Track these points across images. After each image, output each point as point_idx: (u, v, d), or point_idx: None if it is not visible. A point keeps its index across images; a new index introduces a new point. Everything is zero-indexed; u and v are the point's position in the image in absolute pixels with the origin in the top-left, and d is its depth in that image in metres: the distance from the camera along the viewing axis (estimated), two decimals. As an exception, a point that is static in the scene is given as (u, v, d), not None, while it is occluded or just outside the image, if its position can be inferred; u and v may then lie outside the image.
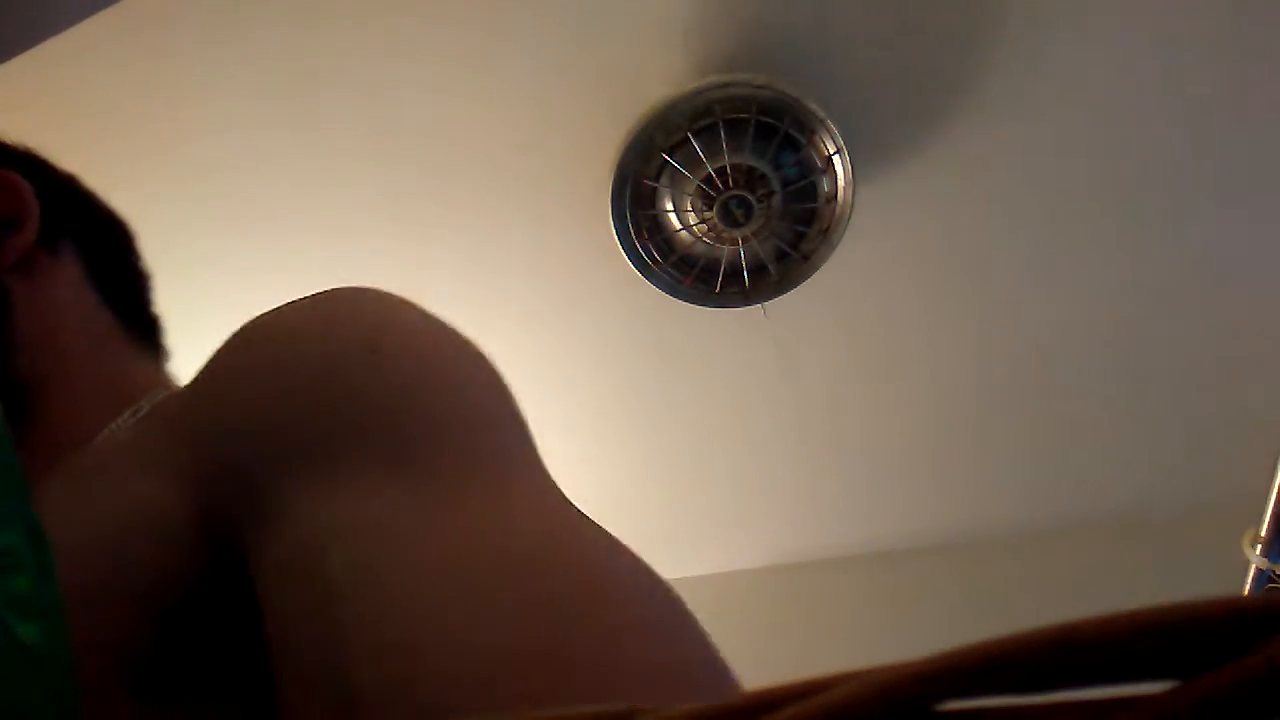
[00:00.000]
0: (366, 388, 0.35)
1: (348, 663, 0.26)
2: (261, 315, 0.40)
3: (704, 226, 1.50)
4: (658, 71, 1.50)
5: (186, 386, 0.41)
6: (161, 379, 0.58)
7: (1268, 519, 1.28)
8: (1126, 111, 1.56)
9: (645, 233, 1.53)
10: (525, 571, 0.28)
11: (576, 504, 0.35)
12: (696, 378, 1.85)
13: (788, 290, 1.59)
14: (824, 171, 1.47)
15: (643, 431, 1.92)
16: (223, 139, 1.54)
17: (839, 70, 1.50)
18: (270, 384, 0.36)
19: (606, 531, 0.33)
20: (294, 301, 0.40)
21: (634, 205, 1.50)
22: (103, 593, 0.33)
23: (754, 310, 1.65)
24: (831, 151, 1.46)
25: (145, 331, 0.61)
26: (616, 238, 1.53)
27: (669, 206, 1.52)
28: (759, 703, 0.16)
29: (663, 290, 1.59)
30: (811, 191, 1.49)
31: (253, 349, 0.39)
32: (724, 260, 1.54)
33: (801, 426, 1.92)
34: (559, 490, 0.36)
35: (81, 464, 0.44)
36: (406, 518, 0.30)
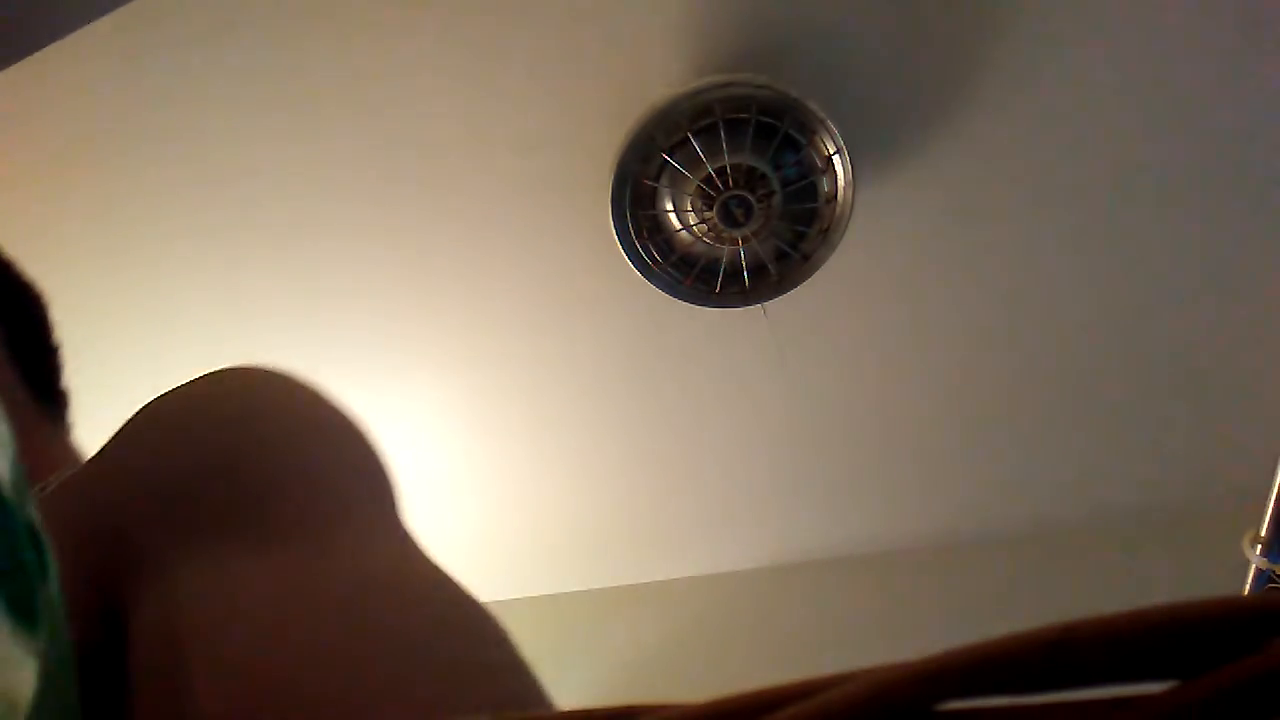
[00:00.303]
0: (236, 465, 0.38)
1: (189, 707, 0.29)
2: (160, 394, 0.43)
3: (704, 226, 1.50)
4: (658, 71, 1.50)
5: (89, 460, 0.43)
6: (70, 455, 0.57)
7: (1268, 519, 1.28)
8: (1126, 112, 1.56)
9: (645, 233, 1.53)
10: (339, 612, 0.32)
11: (419, 554, 0.38)
12: (696, 378, 1.85)
13: (788, 290, 1.59)
14: (824, 171, 1.47)
15: (642, 431, 1.92)
16: (219, 146, 1.54)
17: (839, 70, 1.50)
18: (153, 457, 0.39)
19: (438, 572, 0.36)
20: (191, 381, 0.43)
21: (634, 205, 1.50)
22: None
23: (754, 310, 1.65)
24: (831, 152, 1.46)
25: (55, 406, 0.60)
26: (616, 238, 1.53)
27: (669, 206, 1.52)
28: (759, 703, 0.16)
29: (663, 290, 1.59)
30: (811, 191, 1.49)
31: (143, 426, 0.41)
32: (724, 260, 1.54)
33: (801, 426, 1.92)
34: (397, 543, 0.39)
35: None
36: (251, 579, 0.33)
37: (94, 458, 0.43)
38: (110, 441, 0.42)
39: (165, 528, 0.36)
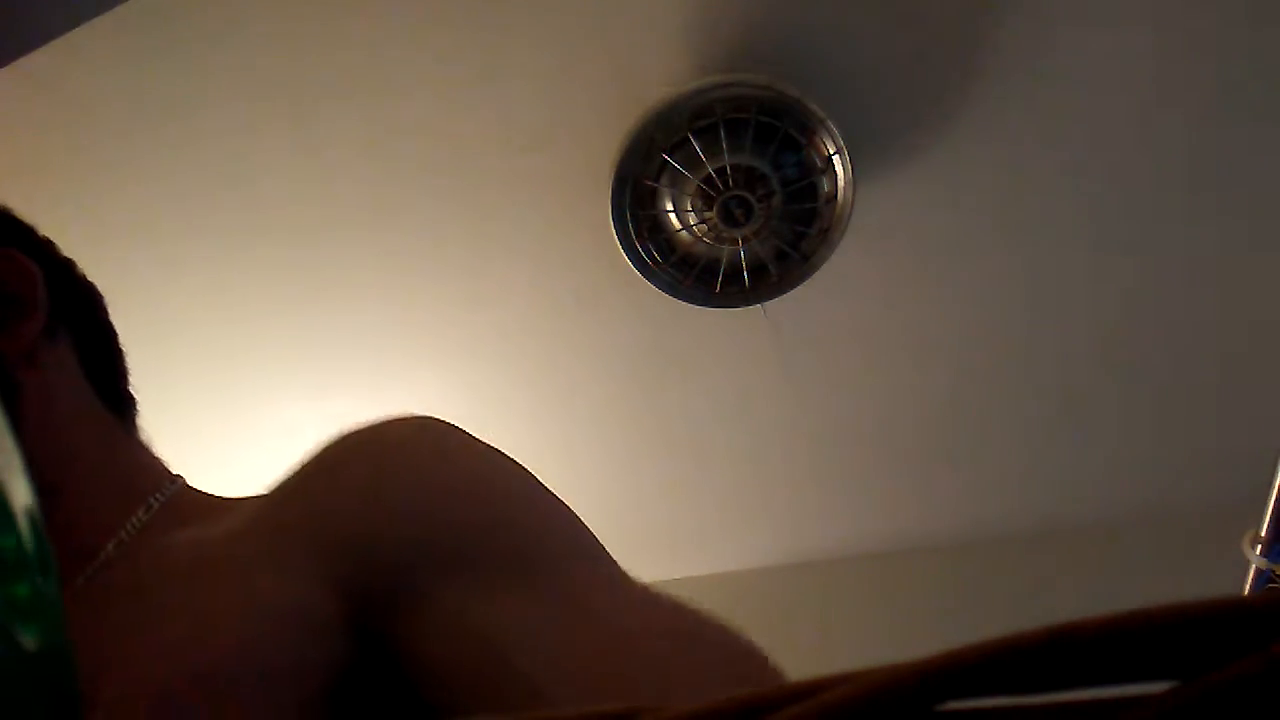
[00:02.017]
0: (486, 514, 0.45)
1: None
2: (360, 432, 0.48)
3: (704, 227, 1.50)
4: (658, 71, 1.50)
5: (300, 490, 0.48)
6: (157, 465, 0.58)
7: (1268, 519, 1.28)
8: (1127, 112, 1.56)
9: (645, 233, 1.53)
10: (659, 645, 0.40)
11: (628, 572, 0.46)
12: (696, 378, 1.85)
13: (788, 290, 1.59)
14: (824, 171, 1.47)
15: (643, 431, 1.92)
16: (217, 143, 1.54)
17: (839, 70, 1.50)
18: (411, 505, 0.45)
19: (664, 594, 0.44)
20: (388, 424, 0.49)
21: (634, 205, 1.50)
22: (261, 679, 0.40)
23: (754, 310, 1.65)
24: (831, 151, 1.46)
25: (126, 412, 0.60)
26: (616, 238, 1.53)
27: (669, 206, 1.52)
28: (759, 703, 0.16)
29: (663, 290, 1.59)
30: (811, 191, 1.49)
31: (378, 468, 0.46)
32: (724, 260, 1.54)
33: (802, 426, 1.92)
34: (623, 572, 0.47)
35: (167, 564, 0.47)
36: (555, 615, 0.41)
37: (318, 489, 0.47)
38: (339, 475, 0.47)
39: (447, 580, 0.42)
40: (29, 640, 0.23)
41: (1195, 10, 1.46)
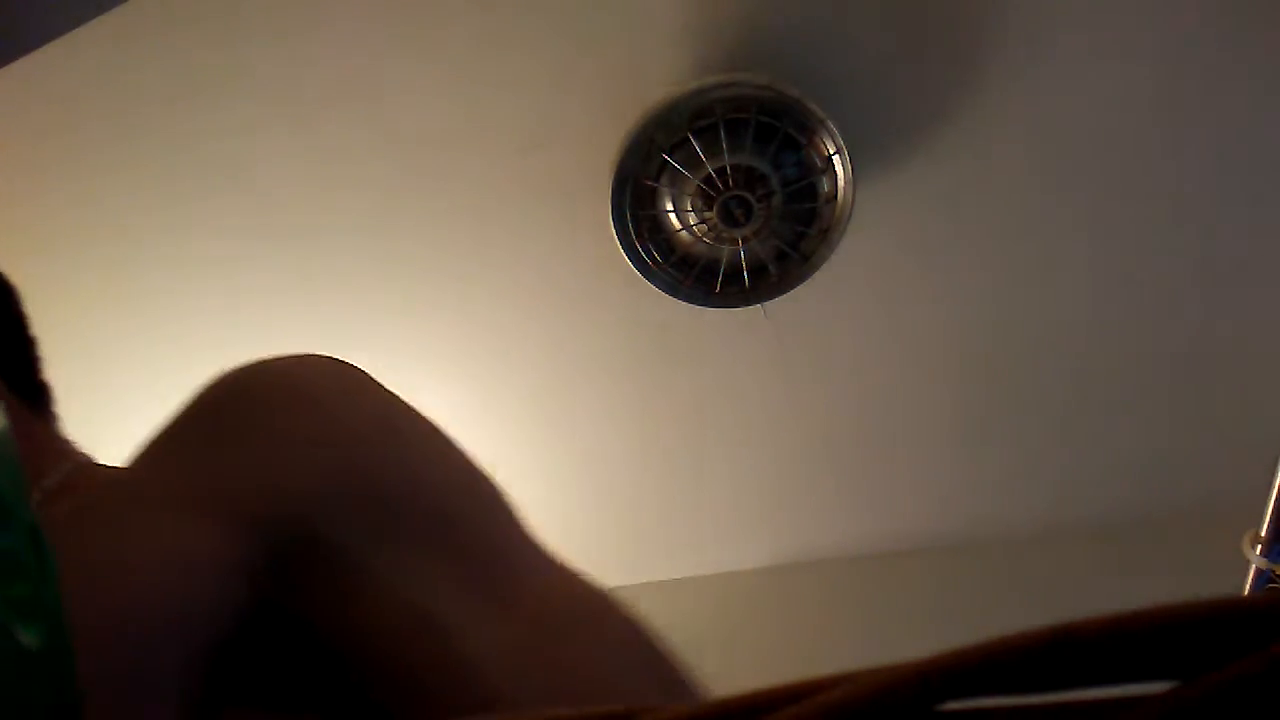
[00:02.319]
0: (402, 473, 0.43)
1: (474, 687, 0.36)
2: (262, 372, 0.45)
3: (704, 227, 1.50)
4: (658, 71, 1.50)
5: (197, 437, 0.45)
6: (68, 448, 0.56)
7: (1268, 519, 1.28)
8: (1127, 111, 1.56)
9: (645, 233, 1.53)
10: (583, 627, 0.40)
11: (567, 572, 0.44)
12: (696, 378, 1.85)
13: (788, 290, 1.59)
14: (824, 171, 1.47)
15: (642, 431, 1.92)
16: (218, 144, 1.54)
17: (839, 70, 1.50)
18: (316, 456, 0.42)
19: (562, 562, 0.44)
20: (291, 362, 0.46)
21: (634, 205, 1.50)
22: (165, 620, 0.38)
23: (754, 310, 1.65)
24: (831, 151, 1.46)
25: (41, 401, 0.59)
26: (616, 238, 1.53)
27: (669, 206, 1.52)
28: (759, 703, 0.16)
29: (663, 290, 1.59)
30: (811, 191, 1.49)
31: (280, 412, 0.44)
32: (724, 260, 1.54)
33: (801, 426, 1.92)
34: (533, 539, 0.45)
35: (79, 510, 0.45)
36: (491, 595, 0.40)
37: (214, 435, 0.44)
38: (237, 420, 0.43)
39: (366, 534, 0.40)
40: (29, 640, 0.23)
41: (1195, 12, 1.46)
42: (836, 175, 1.48)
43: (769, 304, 1.63)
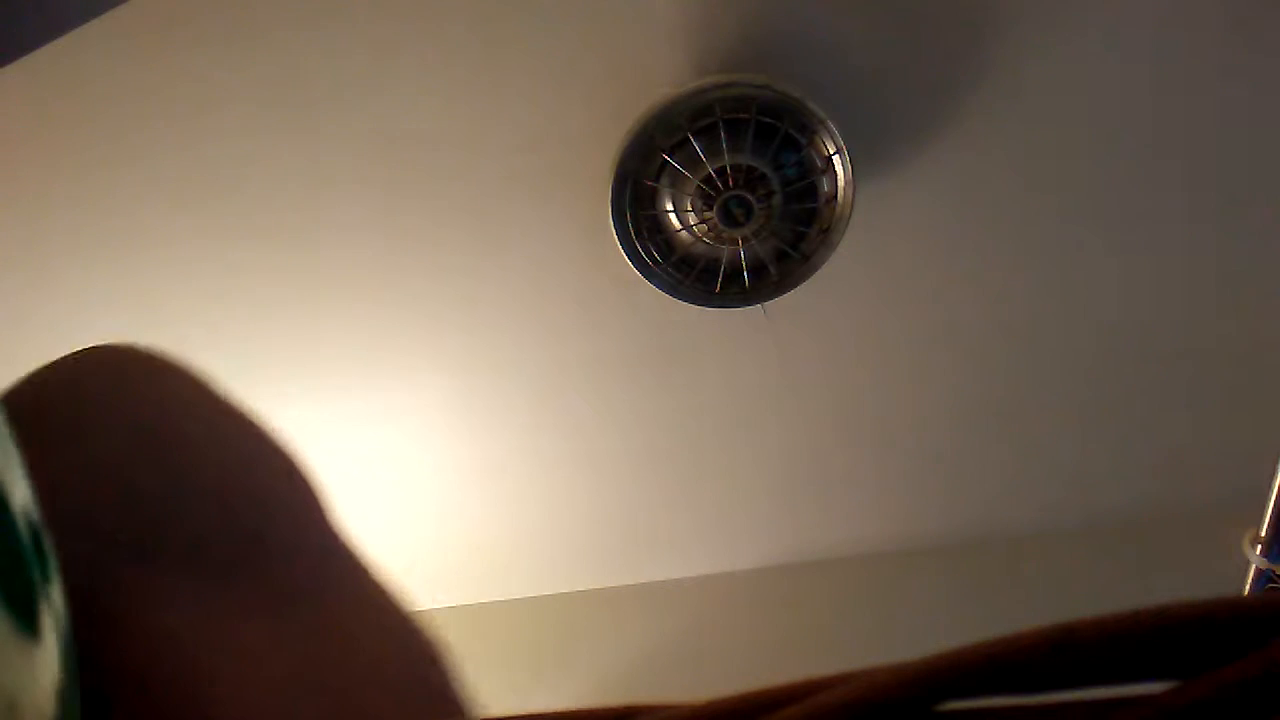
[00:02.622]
0: (169, 486, 0.38)
1: None
2: (34, 379, 0.40)
3: (704, 226, 1.50)
4: (658, 71, 1.50)
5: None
6: None
7: (1268, 519, 1.29)
8: (1128, 113, 1.56)
9: (645, 233, 1.53)
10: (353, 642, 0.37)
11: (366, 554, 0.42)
12: (697, 378, 1.85)
13: (788, 290, 1.59)
14: (824, 171, 1.47)
15: (642, 431, 1.92)
16: (219, 144, 1.54)
17: (839, 70, 1.50)
18: (80, 474, 0.37)
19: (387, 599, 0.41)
20: (57, 369, 0.40)
21: (634, 205, 1.50)
22: None
23: (754, 310, 1.65)
24: (831, 151, 1.46)
25: None
26: (616, 238, 1.53)
27: (669, 206, 1.52)
28: (758, 703, 0.16)
29: (663, 290, 1.59)
30: (811, 192, 1.49)
31: (80, 420, 0.39)
32: (724, 260, 1.54)
33: (801, 427, 1.92)
34: (347, 564, 0.42)
35: None
36: (246, 625, 0.35)
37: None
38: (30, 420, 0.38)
39: (140, 557, 0.35)
40: (29, 639, 0.23)
41: (1195, 13, 1.46)
42: (836, 175, 1.48)
43: (769, 304, 1.63)
